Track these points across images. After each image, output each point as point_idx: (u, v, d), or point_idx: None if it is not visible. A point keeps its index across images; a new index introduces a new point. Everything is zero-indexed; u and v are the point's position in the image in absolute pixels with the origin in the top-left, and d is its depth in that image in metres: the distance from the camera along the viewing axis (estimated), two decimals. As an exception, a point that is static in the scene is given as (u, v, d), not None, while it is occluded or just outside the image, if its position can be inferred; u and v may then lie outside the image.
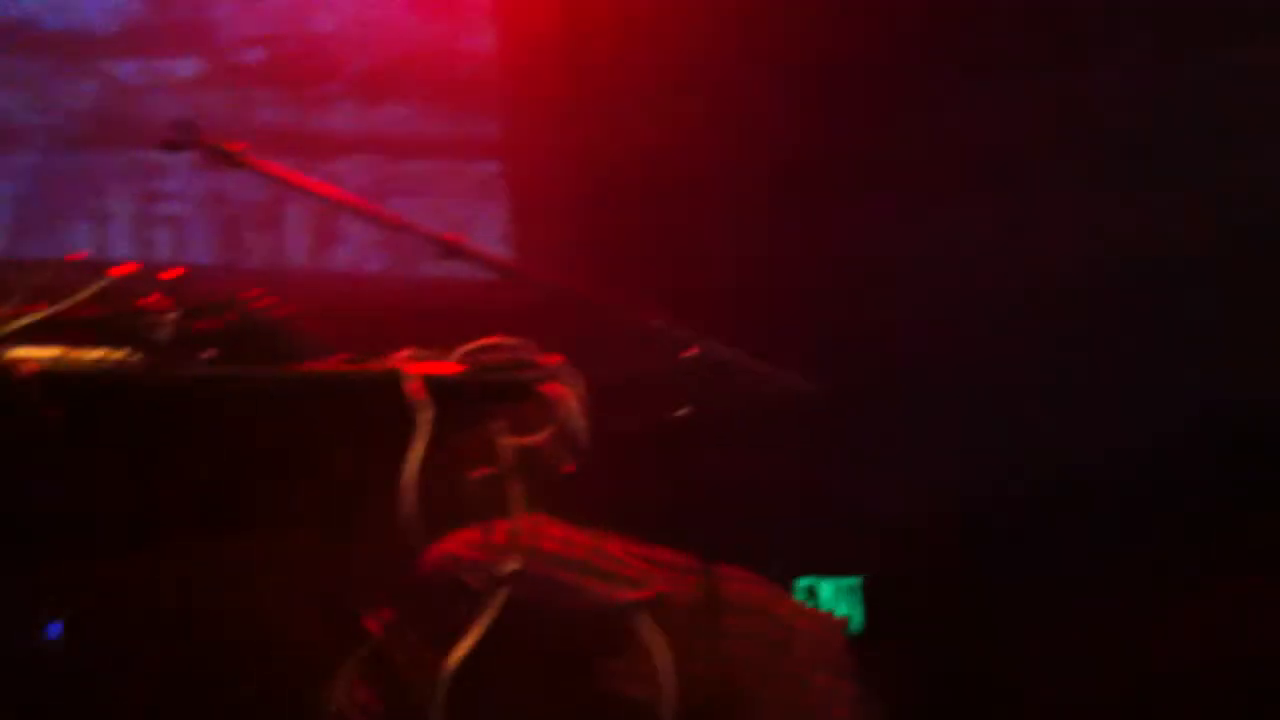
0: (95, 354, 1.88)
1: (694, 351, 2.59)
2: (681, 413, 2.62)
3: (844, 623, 3.12)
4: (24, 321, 1.88)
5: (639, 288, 3.42)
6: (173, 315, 1.91)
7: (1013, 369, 4.33)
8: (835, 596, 4.68)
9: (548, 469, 2.19)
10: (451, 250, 2.52)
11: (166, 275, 1.98)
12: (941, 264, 4.37)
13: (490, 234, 4.66)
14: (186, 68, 4.52)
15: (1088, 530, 4.41)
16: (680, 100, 4.54)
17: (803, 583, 4.39)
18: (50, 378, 1.82)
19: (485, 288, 4.11)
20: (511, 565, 2.14)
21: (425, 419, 1.94)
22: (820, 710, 2.87)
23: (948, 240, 4.34)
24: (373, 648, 2.20)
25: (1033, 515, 4.41)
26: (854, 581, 4.71)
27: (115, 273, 1.94)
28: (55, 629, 2.19)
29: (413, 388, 1.95)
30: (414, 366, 1.99)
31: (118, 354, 1.88)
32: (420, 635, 2.27)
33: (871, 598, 4.73)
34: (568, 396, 2.12)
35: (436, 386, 1.98)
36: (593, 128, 4.73)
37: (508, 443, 2.12)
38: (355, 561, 2.19)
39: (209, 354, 1.91)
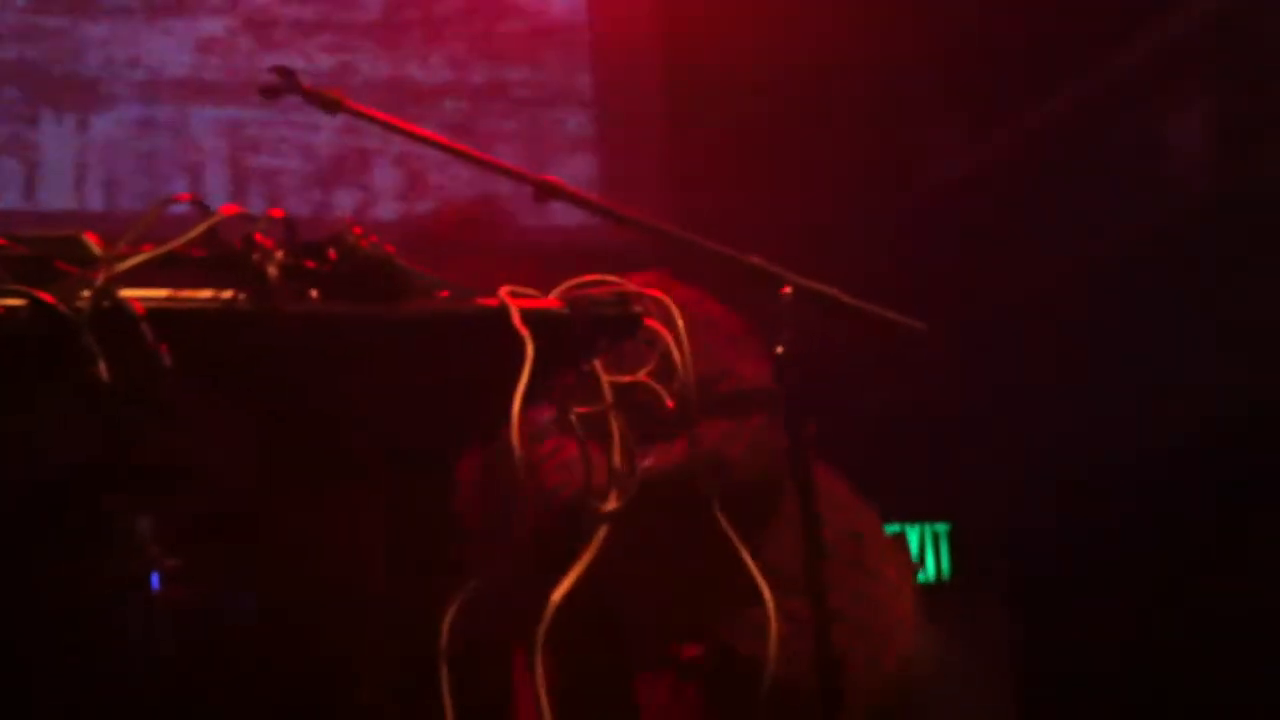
0: (204, 293, 1.89)
1: (788, 290, 2.57)
2: (777, 351, 2.60)
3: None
4: (133, 262, 1.90)
5: (732, 236, 3.43)
6: (279, 254, 1.92)
7: (1123, 335, 4.29)
8: (922, 542, 4.68)
9: (650, 405, 2.19)
10: (548, 192, 2.52)
11: (272, 215, 1.99)
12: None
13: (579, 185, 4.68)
14: (286, 17, 4.55)
15: (1185, 500, 4.37)
16: (771, 49, 4.53)
17: (890, 529, 4.38)
18: (162, 317, 1.84)
19: (575, 233, 4.13)
20: (610, 505, 2.14)
21: (530, 352, 1.94)
22: (886, 602, 2.96)
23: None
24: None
25: (1131, 478, 4.37)
26: (942, 528, 4.71)
27: (223, 213, 1.96)
28: (157, 577, 2.22)
29: (516, 321, 1.96)
30: (517, 301, 1.99)
31: (227, 293, 1.89)
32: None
33: (958, 545, 4.72)
34: (670, 332, 2.12)
35: (540, 321, 1.99)
36: (684, 79, 4.73)
37: (610, 379, 2.13)
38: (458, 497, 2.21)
39: (316, 291, 1.92)
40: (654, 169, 4.74)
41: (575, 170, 4.68)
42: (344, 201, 4.48)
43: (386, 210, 4.50)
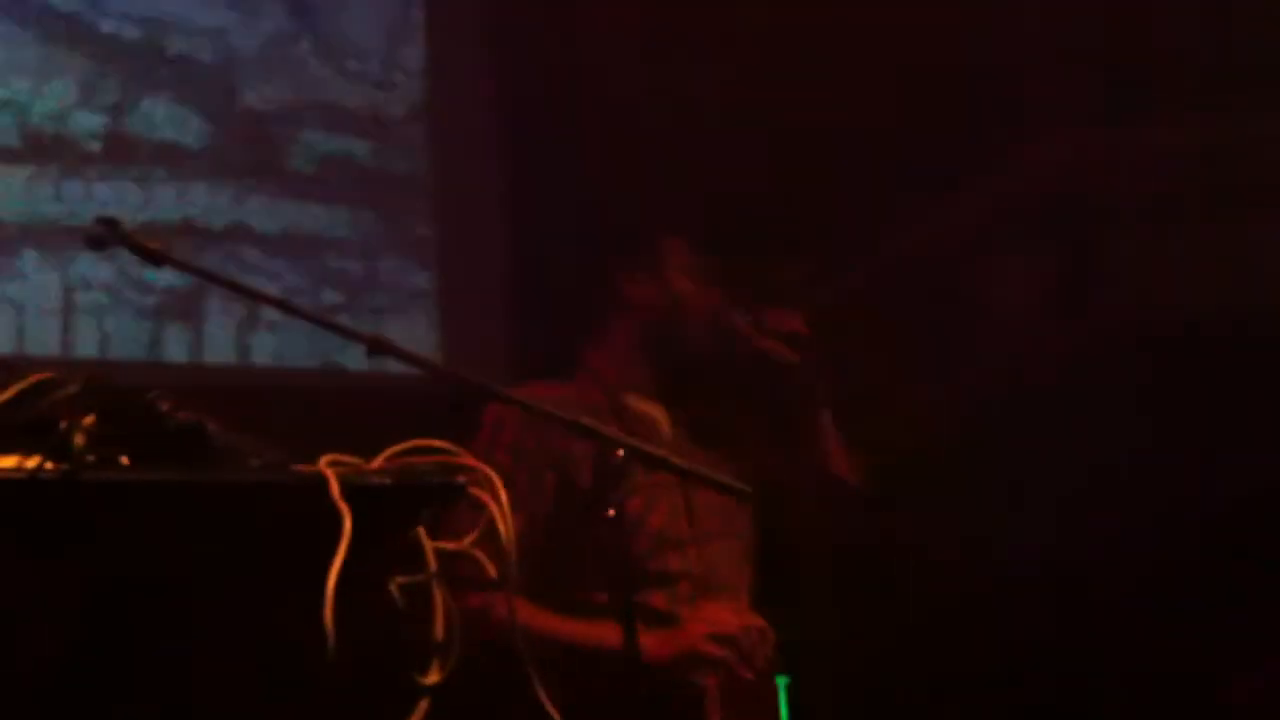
0: (8, 461, 1.83)
1: (621, 453, 2.57)
2: (608, 515, 2.60)
3: None
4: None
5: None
6: (90, 420, 1.87)
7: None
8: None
9: (474, 574, 2.16)
10: (377, 347, 2.49)
11: (84, 378, 1.94)
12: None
13: (420, 329, 4.66)
14: (118, 157, 4.48)
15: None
16: (619, 193, 4.56)
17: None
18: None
19: (415, 381, 4.09)
20: (431, 678, 2.08)
21: (346, 526, 1.90)
22: None
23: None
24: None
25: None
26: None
27: (31, 378, 1.90)
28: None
29: (333, 493, 1.92)
30: (335, 471, 1.95)
31: (32, 461, 1.83)
32: None
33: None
34: (495, 501, 2.09)
35: (358, 492, 1.95)
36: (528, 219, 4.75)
37: (432, 547, 2.09)
38: (277, 672, 2.14)
39: (125, 460, 1.87)
40: (494, 311, 4.75)
41: (416, 314, 4.66)
42: (177, 340, 4.39)
43: (221, 349, 4.42)
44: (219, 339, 4.42)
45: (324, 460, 1.96)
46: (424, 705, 2.08)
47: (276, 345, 4.46)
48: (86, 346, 4.27)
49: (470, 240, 4.75)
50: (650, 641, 2.88)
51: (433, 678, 2.09)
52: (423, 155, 4.78)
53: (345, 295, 4.62)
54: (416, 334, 4.54)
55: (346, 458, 2.01)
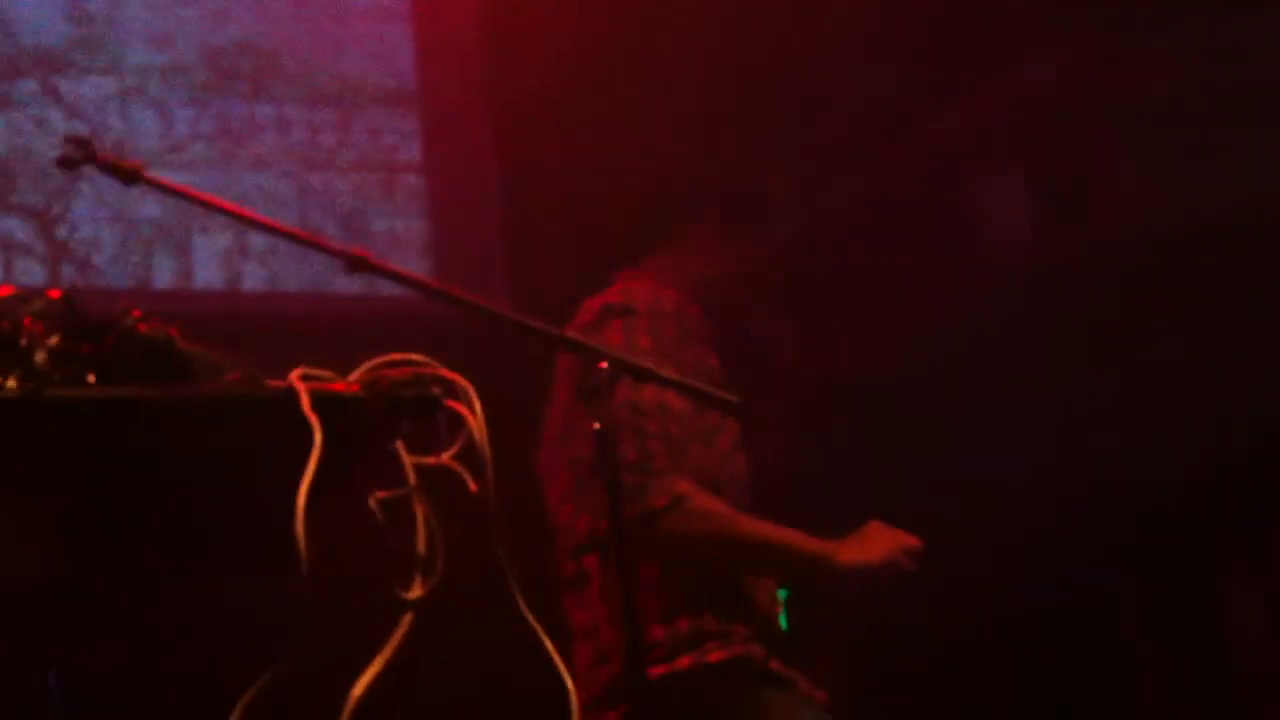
0: (-30, 378, 1.80)
1: (605, 365, 2.53)
2: (596, 428, 2.56)
3: None
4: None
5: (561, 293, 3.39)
6: (54, 338, 1.83)
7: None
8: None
9: (453, 488, 2.13)
10: (358, 265, 2.44)
11: (50, 295, 1.91)
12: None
13: (413, 245, 4.63)
14: (100, 84, 4.44)
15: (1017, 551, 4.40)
16: (605, 110, 4.52)
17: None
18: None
19: (405, 303, 4.06)
20: (415, 592, 2.06)
21: (317, 439, 1.87)
22: None
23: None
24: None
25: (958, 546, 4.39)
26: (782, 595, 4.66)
27: (-3, 294, 1.87)
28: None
29: (304, 406, 1.88)
30: (306, 385, 1.92)
31: (-4, 379, 1.80)
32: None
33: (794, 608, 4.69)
34: (472, 414, 2.06)
35: (331, 405, 1.91)
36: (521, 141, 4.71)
37: (410, 461, 2.06)
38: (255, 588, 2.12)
39: (91, 377, 1.83)
40: (488, 230, 4.71)
41: (409, 232, 4.62)
42: (166, 267, 4.35)
43: (211, 274, 4.39)
44: (209, 264, 4.39)
45: (295, 373, 1.93)
46: (408, 619, 2.06)
47: (264, 267, 4.43)
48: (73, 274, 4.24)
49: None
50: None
51: (415, 592, 2.06)
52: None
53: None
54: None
55: (321, 371, 1.98)
